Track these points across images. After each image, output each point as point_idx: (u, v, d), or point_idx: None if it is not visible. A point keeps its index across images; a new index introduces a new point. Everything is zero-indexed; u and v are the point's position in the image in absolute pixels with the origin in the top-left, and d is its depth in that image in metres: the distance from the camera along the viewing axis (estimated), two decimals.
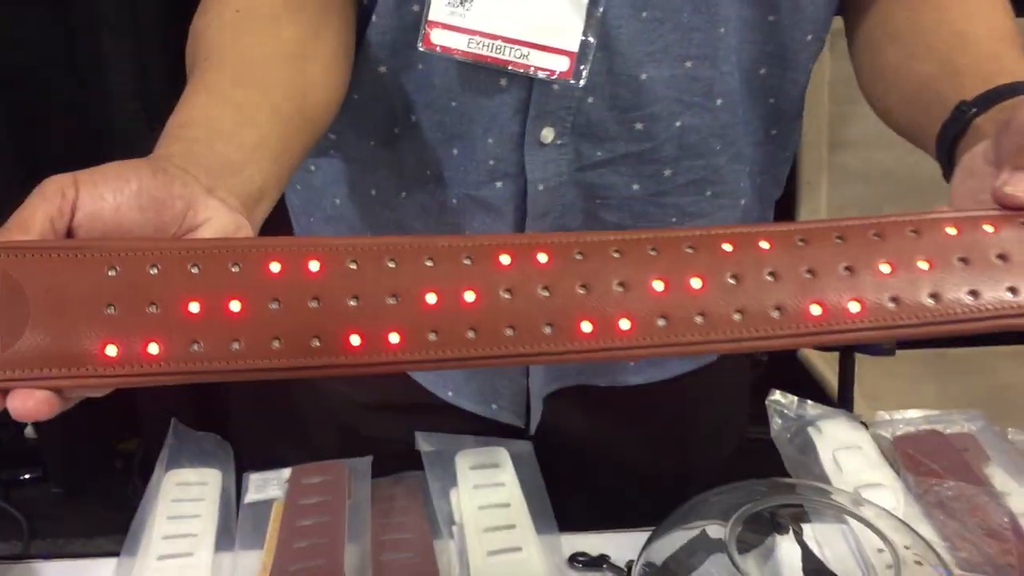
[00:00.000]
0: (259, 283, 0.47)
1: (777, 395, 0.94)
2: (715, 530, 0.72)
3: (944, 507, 0.82)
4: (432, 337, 0.48)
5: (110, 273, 0.47)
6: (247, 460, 0.87)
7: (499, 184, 0.78)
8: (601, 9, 0.69)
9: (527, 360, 0.48)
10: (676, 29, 0.72)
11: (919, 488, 0.84)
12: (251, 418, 1.09)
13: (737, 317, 0.48)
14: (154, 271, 0.47)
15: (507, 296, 0.48)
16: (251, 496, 0.81)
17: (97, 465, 2.04)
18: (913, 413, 0.96)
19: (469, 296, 0.48)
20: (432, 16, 0.70)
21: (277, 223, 0.65)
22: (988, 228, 0.51)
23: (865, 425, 0.92)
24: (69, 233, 0.49)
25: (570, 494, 0.84)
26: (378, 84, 0.77)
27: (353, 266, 0.48)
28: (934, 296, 0.49)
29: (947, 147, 0.64)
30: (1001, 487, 0.83)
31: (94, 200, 0.49)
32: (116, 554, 0.76)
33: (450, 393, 0.93)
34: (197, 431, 0.86)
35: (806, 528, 0.75)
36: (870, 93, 0.77)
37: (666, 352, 0.48)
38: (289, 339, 0.47)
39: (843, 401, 1.40)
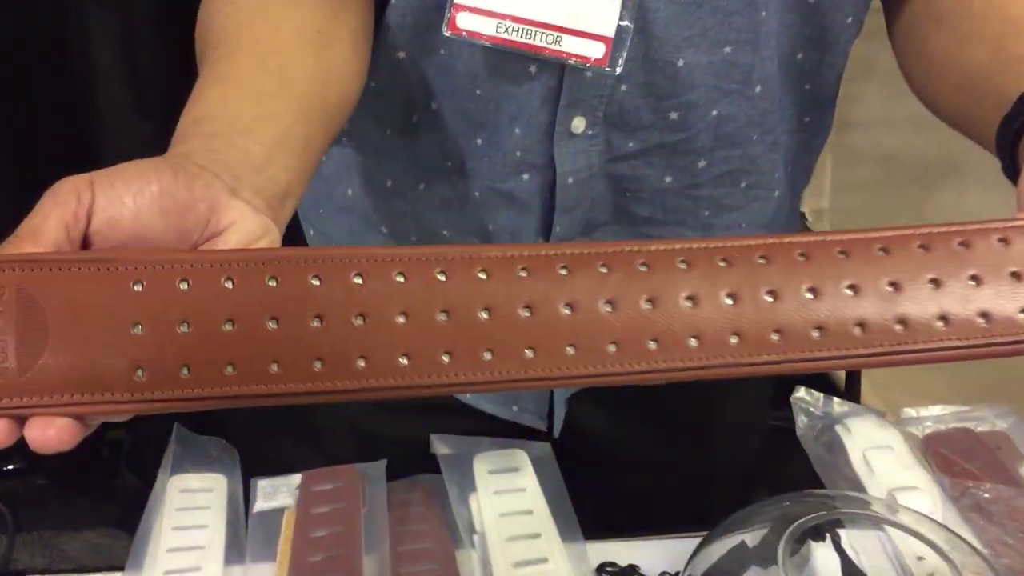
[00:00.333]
0: (299, 299, 0.43)
1: (802, 392, 0.90)
2: (752, 539, 0.69)
3: (982, 511, 0.80)
4: (487, 356, 0.44)
5: (136, 288, 0.43)
6: (253, 464, 0.83)
7: (526, 176, 0.74)
8: None
9: (588, 380, 0.44)
10: (715, 12, 0.68)
11: (955, 491, 0.82)
12: (255, 418, 1.05)
13: (816, 334, 0.45)
14: (184, 286, 0.43)
15: (567, 312, 0.44)
16: (260, 505, 0.77)
17: (84, 455, 1.97)
18: (939, 409, 0.93)
19: (524, 313, 0.44)
20: None
21: None
22: None
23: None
24: (85, 241, 0.44)
25: (590, 498, 0.80)
26: (396, 70, 0.73)
27: (400, 279, 0.44)
28: None
29: (1008, 143, 0.60)
30: None
31: (112, 204, 0.44)
32: (118, 568, 0.72)
33: (468, 394, 0.90)
34: (200, 434, 0.82)
35: (842, 534, 0.72)
36: (915, 81, 0.73)
37: (739, 372, 0.44)
38: (332, 359, 0.43)
39: (850, 390, 1.38)
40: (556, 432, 0.90)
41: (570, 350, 0.44)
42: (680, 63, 0.69)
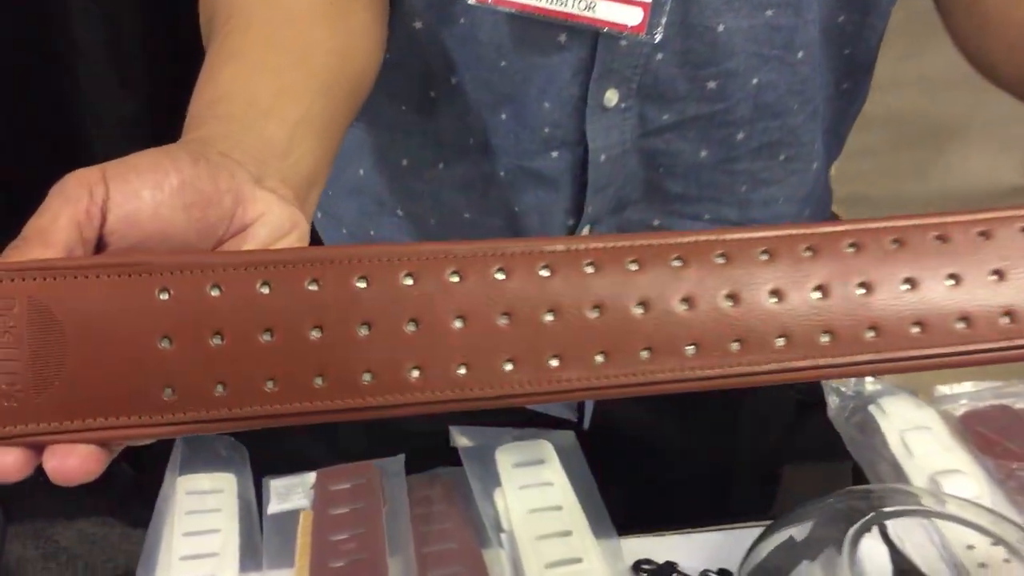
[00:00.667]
0: (344, 304, 0.39)
1: None
2: (799, 534, 0.66)
3: None
4: (554, 363, 0.40)
5: (162, 297, 0.38)
6: (263, 462, 0.78)
7: (555, 154, 0.69)
8: None
9: (665, 387, 0.40)
10: None
11: (1000, 472, 0.78)
12: None
13: (915, 331, 0.40)
14: (215, 293, 0.38)
15: (640, 311, 0.40)
16: (275, 506, 0.73)
17: None
18: (972, 386, 0.90)
19: (592, 314, 0.40)
20: None
21: None
22: None
23: None
24: (99, 242, 0.40)
25: (617, 489, 0.77)
26: (412, 41, 0.68)
27: (455, 279, 0.39)
28: None
29: None
30: None
31: (129, 199, 0.40)
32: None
33: None
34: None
35: (889, 525, 0.68)
36: (967, 42, 0.68)
37: (831, 375, 0.40)
38: (383, 371, 0.39)
39: None
40: (587, 423, 0.86)
41: (645, 354, 0.40)
42: (720, 28, 0.65)
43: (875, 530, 0.67)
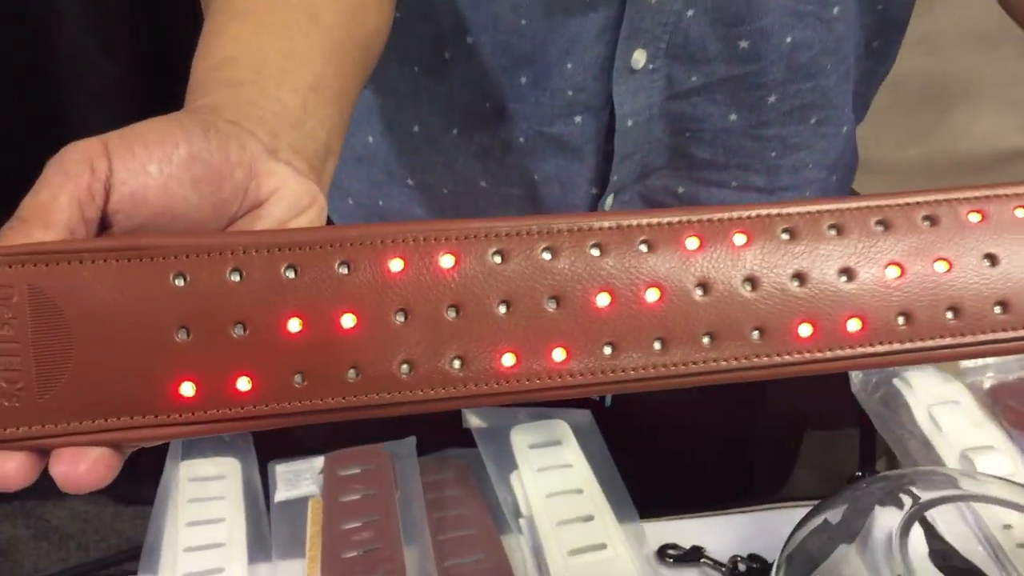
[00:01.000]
0: (378, 289, 0.35)
1: None
2: (833, 517, 0.63)
3: None
4: (607, 351, 0.36)
5: (177, 283, 0.34)
6: (267, 445, 0.75)
7: (578, 119, 0.66)
8: None
9: (729, 376, 0.37)
10: None
11: None
12: None
13: (998, 311, 0.37)
14: (236, 278, 0.34)
15: (700, 294, 0.37)
16: (282, 493, 0.70)
17: None
18: (996, 358, 0.87)
19: (651, 296, 0.36)
20: None
21: None
22: None
23: None
24: (103, 221, 0.36)
25: (635, 469, 0.73)
26: None
27: (497, 260, 0.36)
28: None
29: None
30: None
31: (134, 174, 0.36)
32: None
33: None
34: None
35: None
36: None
37: (908, 360, 0.37)
38: (422, 363, 0.35)
39: None
40: (608, 401, 0.82)
41: (706, 340, 0.36)
42: None
43: (907, 503, 0.64)
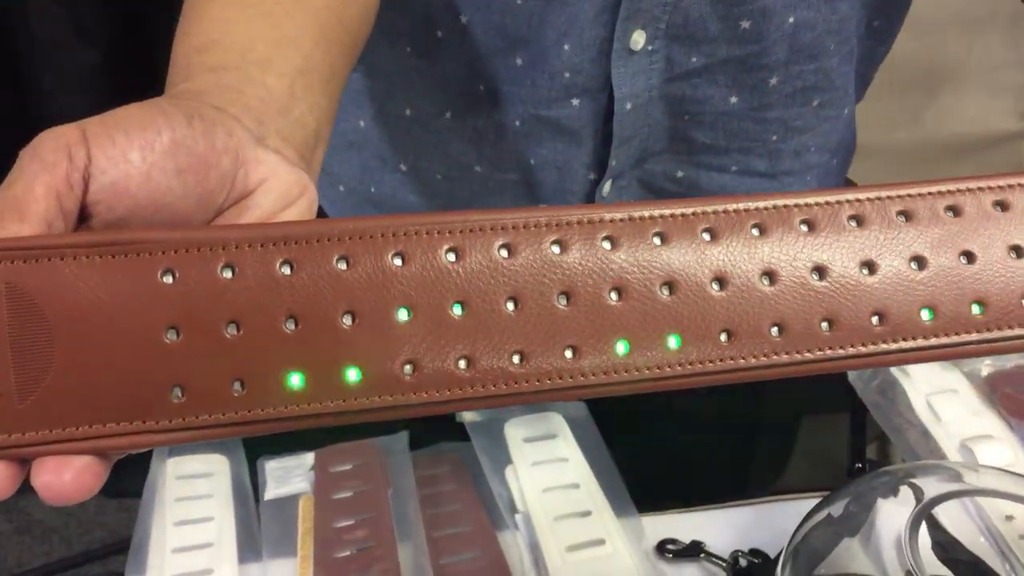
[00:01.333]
0: (379, 286, 0.33)
1: None
2: (836, 511, 0.62)
3: None
4: (620, 349, 0.34)
5: (166, 280, 0.32)
6: (255, 441, 0.73)
7: (576, 102, 0.64)
8: None
9: (748, 374, 0.35)
10: None
11: None
12: None
13: None
14: (228, 274, 0.33)
15: (717, 289, 0.35)
16: (272, 491, 0.68)
17: None
18: None
19: (663, 293, 0.35)
20: None
21: None
22: None
23: None
24: (82, 213, 0.34)
25: (631, 462, 0.72)
26: None
27: (503, 254, 0.34)
28: None
29: None
30: None
31: (115, 163, 0.34)
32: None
33: None
34: None
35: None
36: None
37: (930, 357, 0.36)
38: (427, 362, 0.33)
39: None
40: None
41: (723, 337, 0.35)
42: None
43: (910, 498, 0.63)
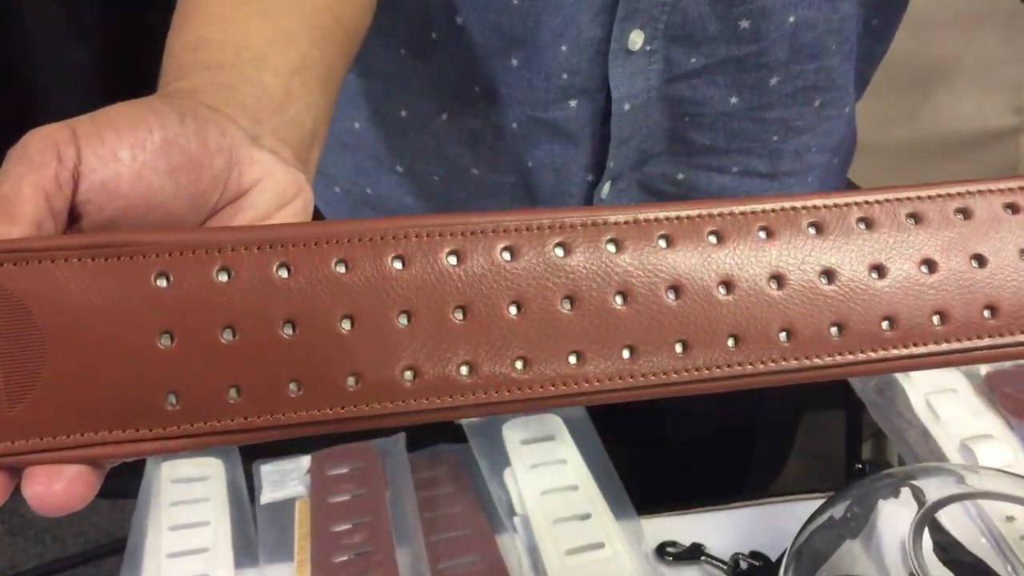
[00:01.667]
0: (379, 290, 0.33)
1: None
2: (838, 513, 0.61)
3: None
4: (626, 355, 0.34)
5: (160, 284, 0.32)
6: (251, 444, 0.72)
7: (573, 103, 0.63)
8: None
9: (754, 380, 0.35)
10: None
11: None
12: None
13: None
14: (224, 278, 0.32)
15: (723, 293, 0.34)
16: (268, 495, 0.67)
17: None
18: None
19: (669, 297, 0.34)
20: None
21: None
22: None
23: None
24: (72, 214, 0.33)
25: (630, 464, 0.71)
26: None
27: (506, 257, 0.33)
28: None
29: None
30: None
31: (105, 162, 0.33)
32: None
33: None
34: None
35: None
36: None
37: (942, 362, 0.35)
38: (428, 368, 0.33)
39: None
40: None
41: (730, 342, 0.34)
42: None
43: (911, 501, 0.63)
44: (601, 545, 0.64)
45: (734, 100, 0.65)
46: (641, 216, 0.34)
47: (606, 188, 0.68)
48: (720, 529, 0.68)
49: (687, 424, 0.85)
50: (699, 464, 0.85)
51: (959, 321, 0.35)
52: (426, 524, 0.66)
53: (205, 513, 0.65)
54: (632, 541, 0.65)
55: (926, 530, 0.60)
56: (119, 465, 0.33)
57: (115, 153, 0.33)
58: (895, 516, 0.60)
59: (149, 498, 0.66)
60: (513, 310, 0.33)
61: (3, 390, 0.30)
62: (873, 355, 0.34)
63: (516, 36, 0.61)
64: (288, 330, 0.32)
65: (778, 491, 0.71)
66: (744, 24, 0.61)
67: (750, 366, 0.34)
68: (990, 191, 0.36)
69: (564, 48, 0.61)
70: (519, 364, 0.33)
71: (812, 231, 0.35)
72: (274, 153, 0.38)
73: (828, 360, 0.34)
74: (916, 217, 0.35)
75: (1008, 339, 0.35)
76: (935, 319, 0.35)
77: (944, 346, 0.34)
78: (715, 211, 0.35)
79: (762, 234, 0.35)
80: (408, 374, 0.32)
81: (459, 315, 0.33)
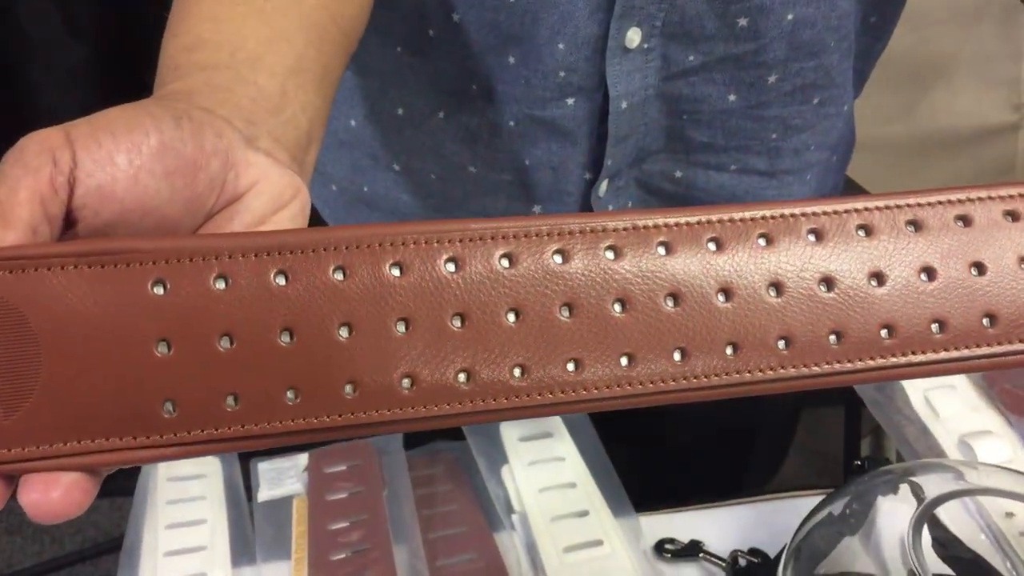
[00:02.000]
0: (377, 298, 0.32)
1: None
2: (837, 510, 0.61)
3: None
4: (624, 362, 0.34)
5: (157, 291, 0.31)
6: None
7: (571, 101, 0.63)
8: None
9: (753, 388, 0.35)
10: None
11: None
12: None
13: None
14: (221, 285, 0.32)
15: (723, 300, 0.34)
16: (265, 493, 0.67)
17: None
18: None
19: (668, 305, 0.34)
20: None
21: None
22: None
23: None
24: (68, 219, 0.33)
25: (628, 461, 0.71)
26: None
27: (504, 264, 0.33)
28: None
29: None
30: None
31: (101, 166, 0.33)
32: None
33: None
34: None
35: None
36: None
37: (942, 370, 0.35)
38: (426, 376, 0.33)
39: None
40: None
41: (729, 350, 0.34)
42: None
43: (910, 497, 0.63)
44: (599, 542, 0.64)
45: (732, 98, 0.65)
46: (640, 223, 0.34)
47: (604, 186, 0.68)
48: (719, 526, 0.68)
49: (686, 422, 0.85)
50: (698, 462, 0.85)
51: (958, 329, 0.34)
52: (424, 522, 0.66)
53: (202, 511, 0.65)
54: (630, 538, 0.65)
55: (925, 526, 0.61)
56: None
57: (111, 157, 0.33)
58: (894, 512, 0.60)
59: (146, 496, 0.66)
60: (511, 317, 0.33)
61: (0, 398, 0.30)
62: (872, 363, 0.34)
63: (513, 34, 0.61)
64: (286, 338, 0.32)
65: (777, 488, 0.71)
66: (742, 22, 0.61)
67: (748, 374, 0.34)
68: (990, 198, 0.36)
69: (561, 46, 0.61)
70: (517, 371, 0.33)
71: (811, 238, 0.35)
72: (270, 155, 0.38)
73: (827, 368, 0.34)
74: (916, 224, 0.35)
75: (1007, 347, 0.35)
76: (934, 327, 0.34)
77: (943, 354, 0.34)
78: (714, 218, 0.34)
79: (761, 241, 0.34)
80: (406, 381, 0.32)
81: (457, 322, 0.33)
